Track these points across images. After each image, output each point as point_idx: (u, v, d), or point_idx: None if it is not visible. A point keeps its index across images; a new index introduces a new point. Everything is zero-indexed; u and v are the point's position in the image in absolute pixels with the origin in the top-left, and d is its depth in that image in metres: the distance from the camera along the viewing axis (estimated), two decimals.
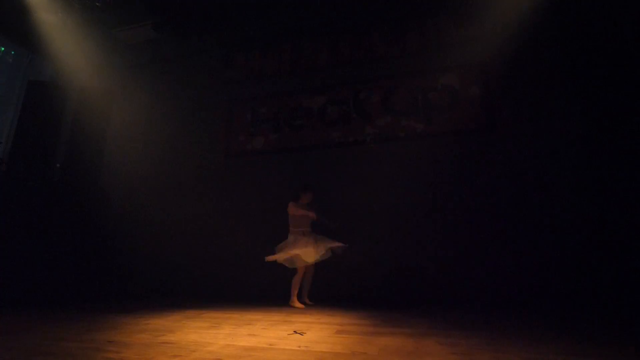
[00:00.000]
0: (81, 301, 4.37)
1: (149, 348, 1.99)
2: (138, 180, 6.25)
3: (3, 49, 5.90)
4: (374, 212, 4.87)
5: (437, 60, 5.25)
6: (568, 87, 4.53)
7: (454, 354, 1.83)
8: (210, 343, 2.13)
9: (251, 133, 5.99)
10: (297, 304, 4.01)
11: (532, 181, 4.38)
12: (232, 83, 6.35)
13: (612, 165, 4.10)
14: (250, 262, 4.89)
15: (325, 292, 4.51)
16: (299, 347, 2.04)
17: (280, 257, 4.09)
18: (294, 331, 2.50)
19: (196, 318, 3.17)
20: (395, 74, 5.45)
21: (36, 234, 4.59)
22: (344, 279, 4.64)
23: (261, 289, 4.90)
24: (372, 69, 5.59)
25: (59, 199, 4.98)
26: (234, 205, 5.62)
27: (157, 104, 6.58)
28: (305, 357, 1.82)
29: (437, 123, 5.06)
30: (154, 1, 5.61)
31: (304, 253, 3.98)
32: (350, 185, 5.02)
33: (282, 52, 6.14)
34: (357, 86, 5.59)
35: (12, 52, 6.07)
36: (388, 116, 5.31)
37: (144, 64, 6.84)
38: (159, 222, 5.88)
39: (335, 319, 3.14)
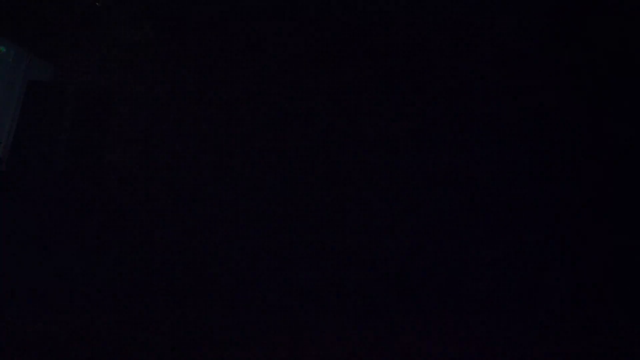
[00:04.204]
0: (81, 301, 4.37)
1: (149, 347, 1.99)
2: (139, 180, 6.25)
3: (3, 49, 5.89)
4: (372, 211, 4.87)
5: None
6: (569, 85, 4.53)
7: (453, 354, 1.83)
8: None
9: (252, 132, 5.98)
10: None
11: (531, 180, 4.38)
12: (233, 82, 6.34)
13: (613, 163, 4.10)
14: (253, 262, 4.88)
15: (325, 291, 4.51)
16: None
17: None
18: None
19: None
20: None
21: (36, 234, 4.59)
22: (343, 278, 4.63)
23: (259, 287, 4.90)
24: None
25: (59, 199, 4.98)
26: (234, 209, 5.61)
27: (157, 103, 6.58)
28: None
29: None
30: (154, 2, 5.60)
31: None
32: (348, 184, 5.03)
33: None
34: None
35: (12, 52, 6.06)
36: None
37: (144, 63, 6.83)
38: (159, 222, 5.87)
39: (336, 318, 3.14)
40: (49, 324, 2.82)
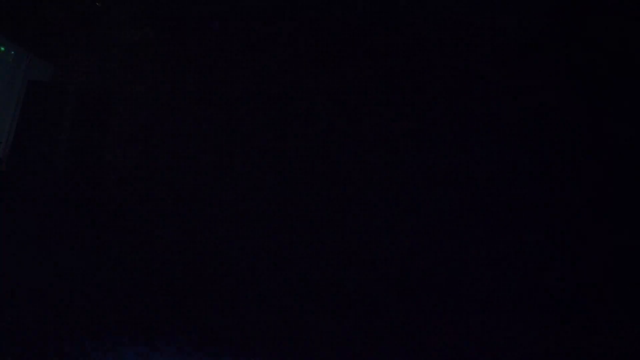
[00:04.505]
0: (82, 301, 4.37)
1: (150, 347, 1.99)
2: (139, 180, 6.25)
3: (3, 48, 5.89)
4: (370, 209, 4.87)
5: None
6: (569, 85, 4.53)
7: (453, 354, 1.83)
8: None
9: (251, 132, 5.99)
10: None
11: (531, 180, 4.38)
12: (233, 82, 6.34)
13: (613, 163, 4.10)
14: (253, 262, 4.88)
15: (325, 291, 4.51)
16: None
17: None
18: None
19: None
20: None
21: (36, 234, 4.58)
22: (343, 278, 4.63)
23: (260, 287, 4.90)
24: None
25: (59, 199, 4.98)
26: (234, 209, 5.62)
27: (157, 103, 6.58)
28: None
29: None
30: (154, 2, 5.61)
31: None
32: (348, 184, 5.03)
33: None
34: None
35: (12, 52, 6.06)
36: None
37: (144, 63, 6.83)
38: (159, 222, 5.87)
39: (336, 318, 3.13)
40: (49, 324, 2.82)
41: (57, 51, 6.20)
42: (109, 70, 6.74)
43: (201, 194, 5.84)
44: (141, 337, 2.36)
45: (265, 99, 6.10)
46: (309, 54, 5.90)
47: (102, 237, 5.54)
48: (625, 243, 3.83)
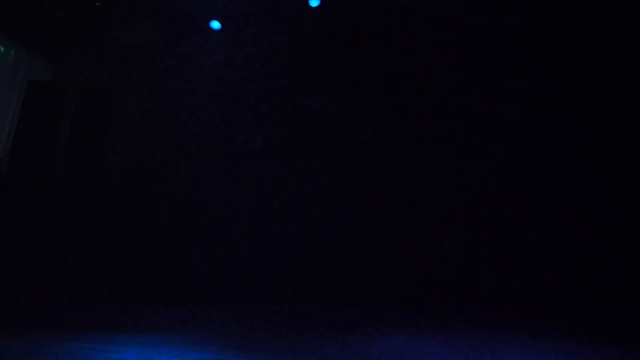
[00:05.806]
0: (82, 301, 4.37)
1: (149, 348, 1.99)
2: (139, 180, 6.25)
3: (3, 49, 5.89)
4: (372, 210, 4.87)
5: None
6: (569, 85, 4.53)
7: (454, 354, 1.83)
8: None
9: (252, 132, 5.99)
10: None
11: (532, 180, 4.38)
12: (233, 82, 6.35)
13: (613, 163, 4.10)
14: (253, 262, 4.89)
15: (325, 291, 4.51)
16: None
17: None
18: None
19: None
20: None
21: (36, 234, 4.59)
22: (343, 278, 4.64)
23: (260, 287, 4.91)
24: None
25: (59, 199, 4.98)
26: (234, 209, 5.62)
27: (157, 104, 6.58)
28: None
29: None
30: (154, 2, 5.61)
31: None
32: (349, 184, 5.04)
33: None
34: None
35: (12, 52, 6.06)
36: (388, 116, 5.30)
37: (144, 63, 6.84)
38: (159, 222, 5.88)
39: (335, 318, 3.14)
40: (49, 323, 2.83)
41: (57, 51, 6.20)
42: (109, 70, 6.74)
43: (201, 193, 5.84)
44: (141, 337, 2.36)
45: (266, 98, 6.10)
46: (310, 53, 5.92)
47: (102, 237, 5.55)
48: (625, 243, 3.83)
